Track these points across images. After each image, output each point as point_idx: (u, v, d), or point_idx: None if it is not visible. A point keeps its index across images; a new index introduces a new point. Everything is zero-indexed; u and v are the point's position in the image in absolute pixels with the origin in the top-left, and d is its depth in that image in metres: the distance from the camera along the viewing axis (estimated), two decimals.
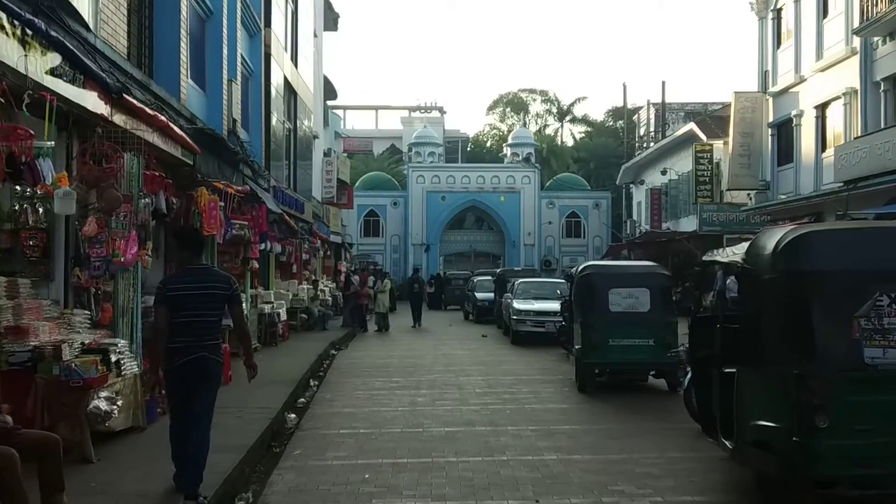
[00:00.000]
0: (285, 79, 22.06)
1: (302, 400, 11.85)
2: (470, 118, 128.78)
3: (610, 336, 11.74)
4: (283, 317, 19.11)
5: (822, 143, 21.88)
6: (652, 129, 46.77)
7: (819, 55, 21.65)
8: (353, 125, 74.74)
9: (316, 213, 28.86)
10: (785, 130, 24.29)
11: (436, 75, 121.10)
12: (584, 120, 70.37)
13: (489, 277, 30.44)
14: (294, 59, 23.48)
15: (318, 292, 24.68)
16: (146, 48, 12.33)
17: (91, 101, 7.50)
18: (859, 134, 19.26)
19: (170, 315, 5.86)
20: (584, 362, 11.81)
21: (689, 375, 8.72)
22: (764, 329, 5.73)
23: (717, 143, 29.01)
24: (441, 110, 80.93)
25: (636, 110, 70.04)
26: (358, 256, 48.29)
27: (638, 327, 11.78)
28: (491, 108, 73.38)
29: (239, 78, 16.71)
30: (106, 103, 7.78)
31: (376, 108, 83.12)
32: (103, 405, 7.07)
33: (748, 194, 25.96)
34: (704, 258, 8.57)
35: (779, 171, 24.59)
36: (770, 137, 24.98)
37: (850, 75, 20.03)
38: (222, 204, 12.53)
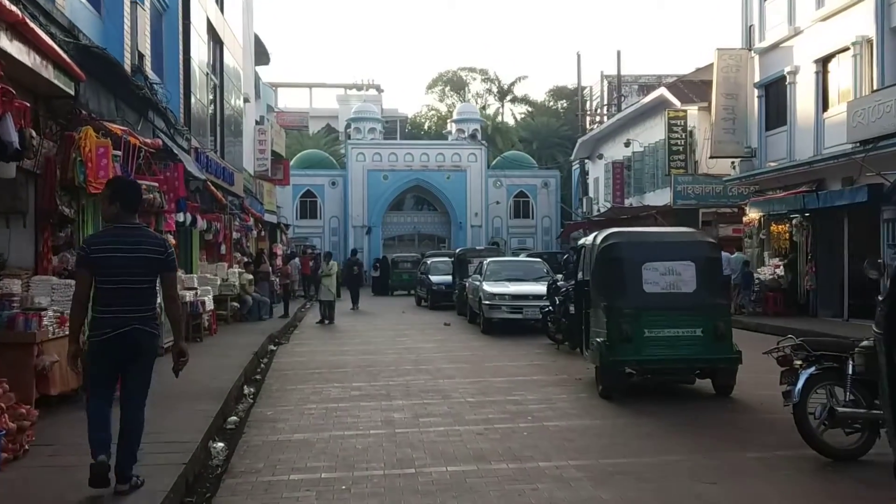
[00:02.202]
0: (209, 23, 18.54)
1: (234, 419, 8.69)
2: (408, 98, 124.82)
3: (646, 325, 8.89)
4: (210, 306, 15.76)
5: (823, 102, 19.50)
6: (606, 102, 44.36)
7: (820, 3, 19.22)
8: (286, 104, 70.80)
9: (248, 187, 25.39)
10: (775, 90, 21.90)
11: (372, 53, 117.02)
12: (525, 100, 68.41)
13: (445, 259, 27.54)
14: (219, 1, 19.95)
15: (252, 276, 21.32)
16: None
17: None
18: (875, 87, 16.87)
19: (93, 280, 5.23)
20: (610, 360, 8.92)
21: None
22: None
23: (692, 109, 26.56)
24: (378, 89, 78.04)
25: (580, 90, 68.65)
26: (294, 239, 44.72)
27: (681, 313, 8.97)
28: (430, 87, 70.87)
29: (148, 5, 13.23)
30: None
31: (310, 86, 79.46)
32: None
33: (732, 163, 23.56)
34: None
35: (767, 136, 22.20)
36: (757, 100, 22.57)
37: (861, 23, 17.63)
38: (118, 153, 9.22)
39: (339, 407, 9.07)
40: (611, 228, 10.02)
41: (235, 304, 19.32)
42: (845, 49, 18.33)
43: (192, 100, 16.42)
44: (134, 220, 5.44)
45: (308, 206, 49.41)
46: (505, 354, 13.55)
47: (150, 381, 5.42)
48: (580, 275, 11.05)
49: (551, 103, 68.12)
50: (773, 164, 21.54)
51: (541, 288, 16.83)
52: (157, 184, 11.26)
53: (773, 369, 7.01)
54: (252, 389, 10.76)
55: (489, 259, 19.58)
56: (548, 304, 15.30)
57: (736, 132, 22.92)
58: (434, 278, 25.73)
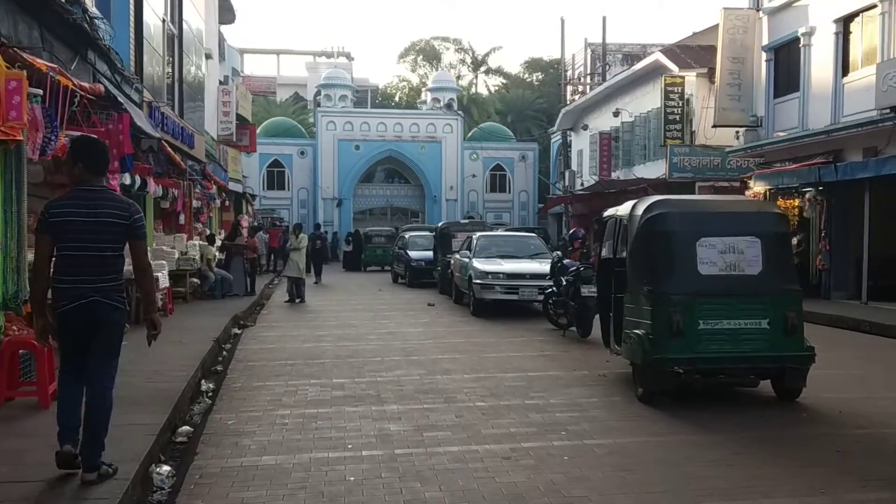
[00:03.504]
0: None
1: (186, 429, 6.85)
2: (379, 68, 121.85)
3: (701, 316, 7.18)
4: (165, 283, 13.79)
5: (843, 65, 17.89)
6: (589, 71, 42.58)
7: None
8: (252, 71, 68.06)
9: (210, 152, 23.25)
10: (786, 54, 20.25)
11: (342, 19, 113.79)
12: (500, 72, 66.67)
13: (425, 233, 25.72)
14: None
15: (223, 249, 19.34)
16: None
17: None
18: None
19: (53, 247, 4.82)
20: (656, 359, 7.20)
21: None
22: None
23: (690, 76, 24.89)
24: (349, 57, 76.03)
25: (563, 57, 66.87)
26: (261, 211, 42.53)
27: (744, 301, 7.28)
28: (402, 57, 68.81)
29: None
30: None
31: (278, 53, 76.92)
32: None
33: (736, 133, 21.94)
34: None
35: (776, 103, 20.58)
36: (765, 64, 20.92)
37: None
38: (37, 92, 7.25)
39: (320, 414, 7.25)
40: (654, 196, 8.27)
41: (196, 280, 17.36)
42: (872, 6, 16.71)
43: (145, 46, 14.31)
44: (99, 183, 5.04)
45: (276, 176, 47.17)
46: (505, 342, 11.81)
47: (117, 359, 5.08)
48: (604, 251, 9.32)
49: (526, 76, 66.77)
50: (781, 133, 19.94)
51: (538, 266, 15.14)
52: (95, 137, 9.23)
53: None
54: (211, 385, 8.92)
55: (479, 234, 17.78)
56: (548, 283, 13.63)
57: (742, 99, 21.29)
58: (413, 254, 23.89)
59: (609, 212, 9.10)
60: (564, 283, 12.12)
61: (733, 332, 7.19)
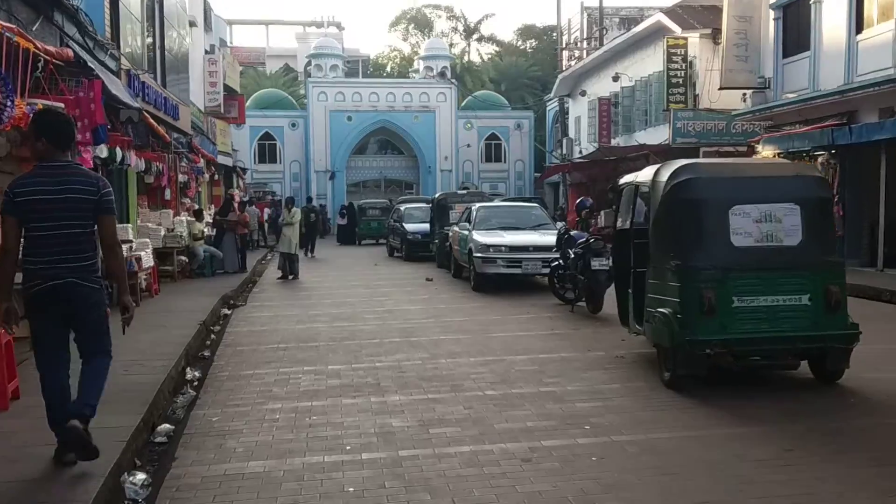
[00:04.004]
0: None
1: (166, 427, 6.16)
2: (370, 38, 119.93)
3: (735, 292, 6.47)
4: (149, 262, 13.04)
5: (857, 22, 17.05)
6: (585, 35, 41.49)
7: None
8: (241, 43, 66.71)
9: (197, 124, 22.36)
10: (795, 12, 19.38)
11: None
12: (493, 39, 65.52)
13: (421, 205, 24.94)
14: None
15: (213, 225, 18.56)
16: None
17: None
18: None
19: (21, 228, 4.58)
20: (685, 340, 6.49)
21: None
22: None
23: (693, 37, 24.00)
24: (339, 26, 74.42)
25: (559, 21, 65.59)
26: (253, 185, 41.65)
27: (783, 274, 6.56)
28: (393, 25, 67.58)
29: None
30: None
31: (267, 24, 75.43)
32: None
33: (743, 96, 21.12)
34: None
35: (785, 63, 19.75)
36: (773, 23, 20.06)
37: None
38: None
39: (314, 408, 6.54)
40: (681, 160, 7.51)
41: (184, 258, 16.62)
42: None
43: (122, 11, 13.41)
44: (64, 158, 4.77)
45: (267, 149, 46.19)
46: (511, 320, 11.11)
47: (107, 336, 4.91)
48: (620, 222, 8.59)
49: (520, 43, 65.61)
50: (791, 95, 19.15)
51: (542, 237, 14.42)
52: (61, 105, 8.44)
53: None
54: (197, 373, 8.23)
55: (479, 205, 17.00)
56: (553, 256, 12.94)
57: (749, 60, 20.46)
58: (409, 227, 23.13)
59: (626, 178, 8.34)
60: (573, 255, 11.40)
61: (771, 310, 6.49)
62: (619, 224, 8.56)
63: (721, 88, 20.95)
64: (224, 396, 7.08)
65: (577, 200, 13.24)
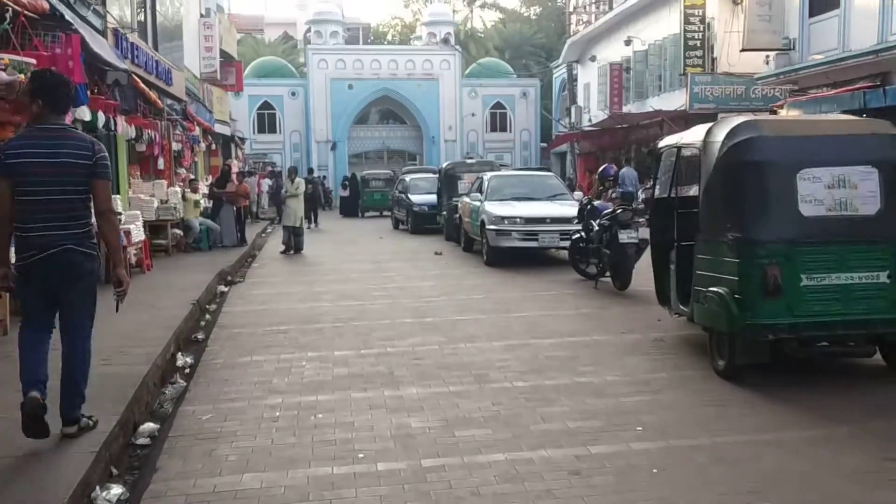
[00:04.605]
0: None
1: (149, 427, 5.36)
2: (371, 6, 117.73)
3: (803, 269, 5.61)
4: (139, 236, 12.18)
5: None
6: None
7: None
8: (239, 11, 65.26)
9: (192, 91, 21.37)
10: None
11: None
12: (496, 6, 64.21)
13: (428, 176, 24.02)
14: None
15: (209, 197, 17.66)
16: None
17: None
18: None
19: (11, 190, 4.41)
20: (747, 325, 5.63)
21: None
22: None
23: None
24: None
25: None
26: (252, 156, 40.63)
27: (858, 248, 5.69)
28: None
29: None
30: None
31: None
32: None
33: (766, 58, 20.06)
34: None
35: (811, 23, 18.66)
36: None
37: None
38: None
39: (319, 403, 5.71)
40: (737, 117, 6.58)
41: (178, 231, 15.74)
42: None
43: None
44: (60, 121, 4.65)
45: (266, 118, 45.12)
46: (530, 297, 10.27)
47: (93, 309, 4.77)
48: (657, 190, 7.70)
49: (524, 10, 64.33)
50: (818, 56, 18.09)
51: (561, 208, 13.55)
52: (33, 61, 7.52)
53: None
54: (188, 359, 7.43)
55: (491, 174, 16.07)
56: (572, 228, 12.10)
57: (772, 20, 19.34)
58: (415, 198, 22.20)
59: (668, 140, 7.42)
60: (597, 227, 10.52)
61: (844, 289, 5.63)
62: (656, 192, 7.67)
63: (743, 50, 19.87)
64: (217, 389, 6.25)
65: (601, 169, 12.34)
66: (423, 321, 8.80)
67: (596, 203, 11.09)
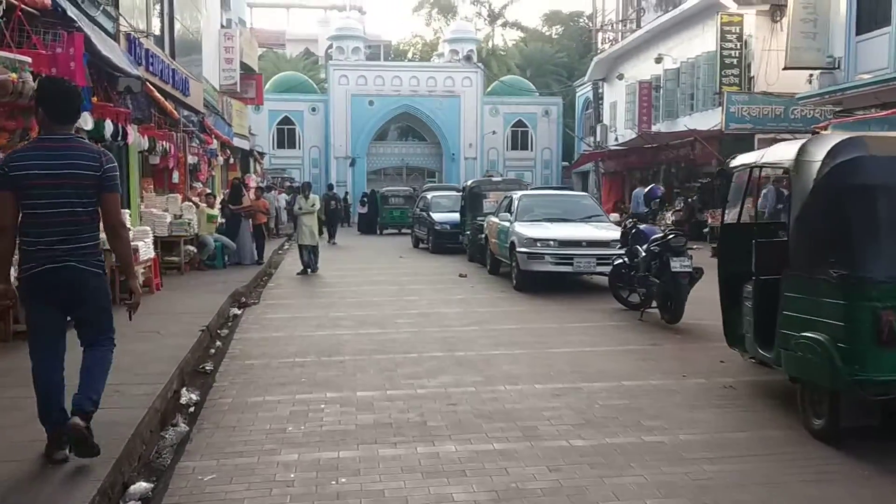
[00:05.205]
0: None
1: (142, 486, 4.51)
2: (392, 24, 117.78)
3: None
4: (149, 254, 11.38)
5: None
6: (621, 17, 39.43)
7: None
8: (261, 27, 65.15)
9: (211, 103, 20.71)
10: None
11: None
12: (518, 25, 63.87)
13: (450, 193, 23.22)
14: None
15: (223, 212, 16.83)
16: None
17: None
18: None
19: (16, 203, 4.24)
20: (857, 381, 4.70)
21: None
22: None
23: (749, 13, 22.04)
24: (361, 10, 72.59)
25: (577, 14, 63.51)
26: (270, 171, 40.03)
27: None
28: (416, 10, 66.14)
29: None
30: None
31: (287, 7, 73.82)
32: None
33: (809, 77, 19.16)
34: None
35: (859, 41, 17.76)
36: None
37: None
38: None
39: (341, 462, 4.82)
40: (840, 134, 5.70)
41: (192, 248, 14.96)
42: None
43: None
44: (66, 131, 4.43)
45: (286, 134, 44.59)
46: (570, 329, 9.35)
47: (110, 321, 4.57)
48: (728, 214, 6.81)
49: (545, 29, 63.90)
50: (866, 76, 17.17)
51: (597, 231, 12.70)
52: (28, 59, 6.75)
53: None
54: (194, 396, 6.59)
55: (521, 193, 15.20)
56: (608, 253, 11.23)
57: (817, 37, 18.47)
58: (437, 216, 21.36)
59: (742, 159, 6.50)
60: (643, 253, 9.60)
61: None
62: (726, 217, 6.77)
63: (786, 69, 18.96)
64: (223, 437, 5.38)
65: (647, 189, 11.40)
66: (454, 355, 7.91)
67: (642, 227, 10.16)
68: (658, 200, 10.92)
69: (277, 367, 7.49)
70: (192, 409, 6.30)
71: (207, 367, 7.74)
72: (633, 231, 10.20)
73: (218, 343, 8.95)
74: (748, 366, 6.91)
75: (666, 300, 9.20)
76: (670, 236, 9.16)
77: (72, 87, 4.72)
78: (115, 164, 4.52)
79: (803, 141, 5.48)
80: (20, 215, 4.31)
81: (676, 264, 8.87)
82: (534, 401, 6.14)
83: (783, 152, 5.66)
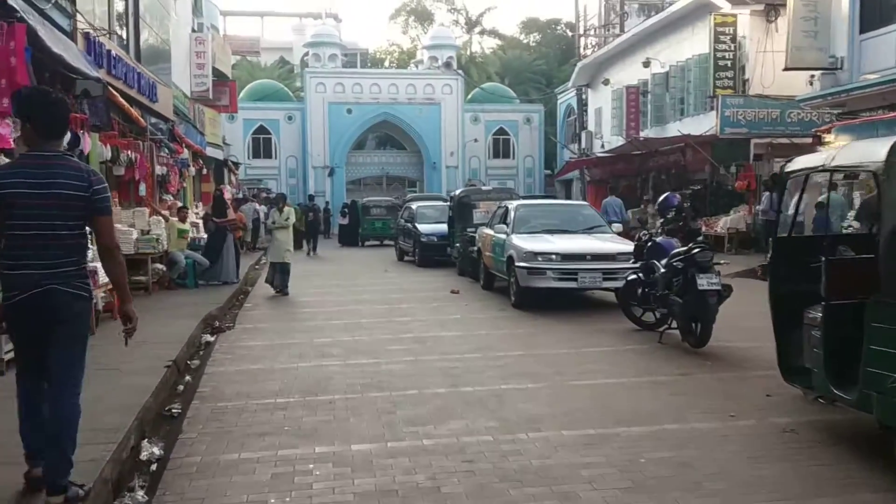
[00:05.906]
0: None
1: None
2: (368, 32, 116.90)
3: None
4: (105, 279, 10.21)
5: None
6: (603, 22, 38.75)
7: None
8: (234, 33, 63.94)
9: (181, 110, 19.57)
10: None
11: None
12: (495, 33, 63.38)
13: (437, 203, 22.25)
14: None
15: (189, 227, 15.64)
16: None
17: None
18: None
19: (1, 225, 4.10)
20: None
21: None
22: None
23: (742, 13, 21.31)
24: (336, 18, 71.71)
25: (554, 22, 63.07)
26: (246, 182, 38.82)
27: None
28: (393, 18, 65.63)
29: None
30: None
31: (262, 15, 72.69)
32: None
33: (810, 78, 18.39)
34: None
35: (862, 40, 17.03)
36: None
37: None
38: None
39: None
40: None
41: (161, 266, 13.83)
42: None
43: None
44: (53, 148, 4.20)
45: (261, 143, 43.42)
46: (585, 355, 8.36)
47: (82, 359, 4.29)
48: (781, 226, 5.85)
49: (523, 37, 63.54)
50: (871, 76, 16.43)
51: (602, 243, 11.79)
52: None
53: None
54: (156, 450, 5.54)
55: (517, 203, 14.24)
56: (615, 267, 10.31)
57: (818, 36, 17.71)
58: (423, 228, 20.35)
59: (803, 162, 5.54)
60: (662, 269, 8.65)
61: None
62: (779, 229, 5.81)
63: (787, 69, 18.17)
64: None
65: (661, 198, 10.45)
66: (460, 391, 6.89)
67: (659, 240, 9.22)
68: (675, 210, 9.97)
69: (255, 411, 6.43)
70: (154, 467, 5.25)
71: (174, 410, 6.67)
72: (649, 244, 9.25)
73: (187, 377, 7.88)
74: (802, 400, 5.96)
75: (690, 321, 8.25)
76: (695, 250, 8.20)
77: (59, 98, 4.43)
78: (106, 184, 4.30)
79: (892, 141, 4.53)
80: (2, 237, 4.10)
81: (703, 282, 7.91)
82: (565, 454, 5.13)
83: (866, 152, 4.72)
